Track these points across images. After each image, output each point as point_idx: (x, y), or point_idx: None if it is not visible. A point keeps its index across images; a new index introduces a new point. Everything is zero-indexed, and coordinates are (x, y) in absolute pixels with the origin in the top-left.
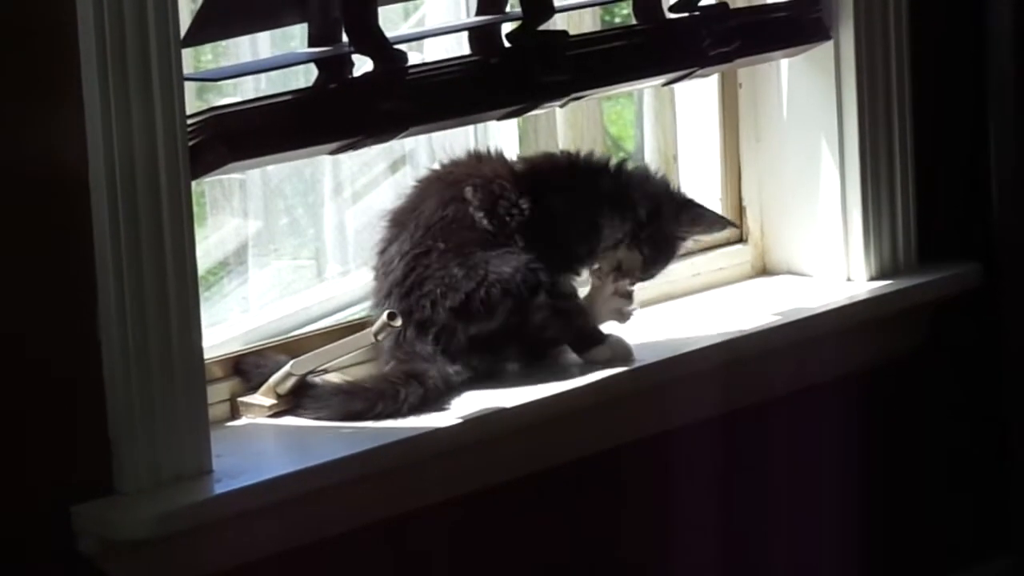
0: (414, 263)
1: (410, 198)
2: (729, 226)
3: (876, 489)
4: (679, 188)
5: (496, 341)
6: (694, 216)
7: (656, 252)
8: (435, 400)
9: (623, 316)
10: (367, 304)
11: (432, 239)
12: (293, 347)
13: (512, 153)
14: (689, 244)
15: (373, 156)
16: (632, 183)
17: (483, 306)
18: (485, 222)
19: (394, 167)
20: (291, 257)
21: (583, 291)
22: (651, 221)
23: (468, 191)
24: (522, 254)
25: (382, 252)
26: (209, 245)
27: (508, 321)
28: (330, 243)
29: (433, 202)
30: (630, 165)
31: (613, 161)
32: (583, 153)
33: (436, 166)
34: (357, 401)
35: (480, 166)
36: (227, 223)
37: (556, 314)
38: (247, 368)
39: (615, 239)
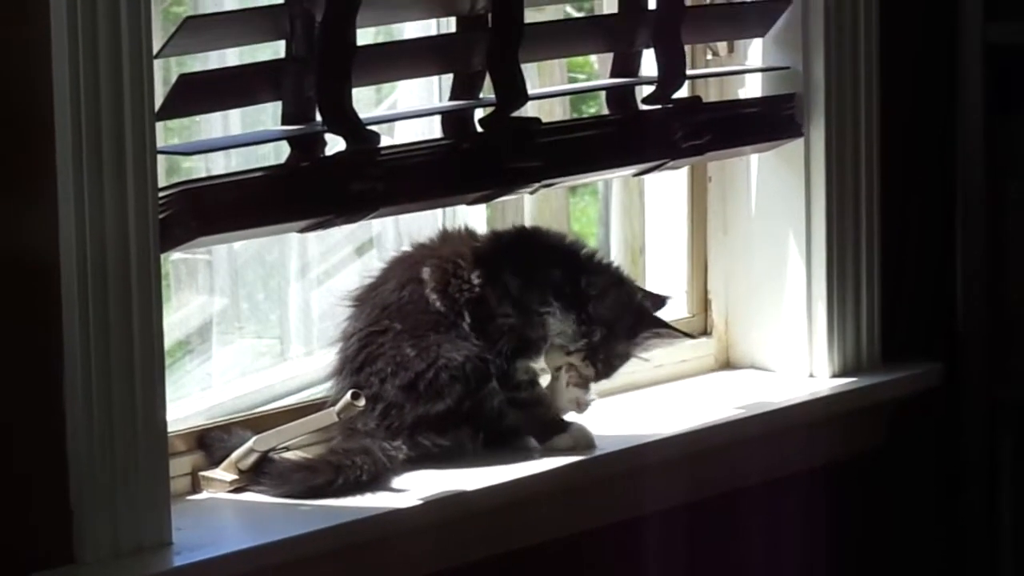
0: (367, 341)
1: (375, 279)
2: (687, 338)
3: None
4: (642, 297)
5: (448, 420)
6: (652, 335)
7: (609, 368)
8: (384, 475)
9: (581, 406)
10: (330, 384)
11: (388, 319)
12: (255, 424)
13: (484, 229)
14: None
15: (340, 239)
16: (592, 284)
17: (431, 388)
18: (439, 304)
19: (360, 250)
20: (255, 336)
21: (545, 379)
22: (605, 343)
23: (425, 272)
24: (476, 342)
25: (343, 330)
26: (173, 322)
27: (460, 405)
28: (294, 324)
29: (393, 283)
30: (603, 261)
31: (585, 251)
32: (553, 232)
33: (405, 247)
34: (318, 476)
35: (442, 247)
36: (192, 300)
37: (512, 404)
38: (210, 442)
39: (568, 345)
